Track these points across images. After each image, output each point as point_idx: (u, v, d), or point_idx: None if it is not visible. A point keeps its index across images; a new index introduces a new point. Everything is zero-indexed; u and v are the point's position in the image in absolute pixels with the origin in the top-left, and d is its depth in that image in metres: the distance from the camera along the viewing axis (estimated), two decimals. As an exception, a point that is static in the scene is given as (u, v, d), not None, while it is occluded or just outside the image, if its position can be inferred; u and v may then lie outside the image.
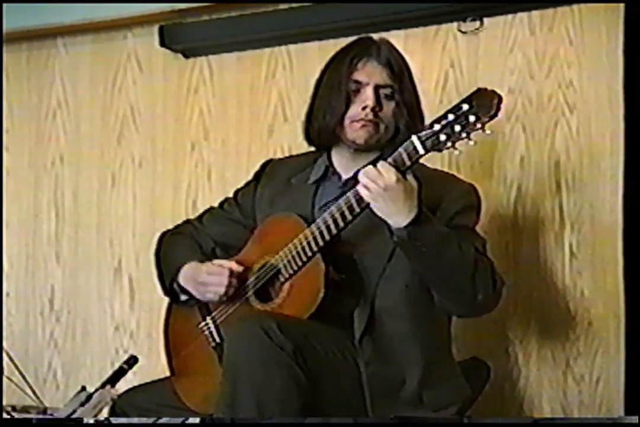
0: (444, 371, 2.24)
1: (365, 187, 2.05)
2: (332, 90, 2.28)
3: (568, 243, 2.71)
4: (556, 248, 2.71)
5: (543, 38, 2.78)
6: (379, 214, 2.07)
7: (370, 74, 2.27)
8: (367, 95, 2.25)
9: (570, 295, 2.69)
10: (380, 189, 2.02)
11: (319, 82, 2.35)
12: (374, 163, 2.09)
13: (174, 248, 2.46)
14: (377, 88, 2.26)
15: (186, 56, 3.27)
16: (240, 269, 2.31)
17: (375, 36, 2.33)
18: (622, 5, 2.62)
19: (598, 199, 2.68)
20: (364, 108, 2.25)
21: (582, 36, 2.73)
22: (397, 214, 2.05)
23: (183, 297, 2.40)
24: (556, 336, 2.69)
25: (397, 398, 2.17)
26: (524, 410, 2.71)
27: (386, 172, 2.03)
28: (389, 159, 2.06)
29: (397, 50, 2.32)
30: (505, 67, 2.82)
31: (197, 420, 2.25)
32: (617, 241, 2.61)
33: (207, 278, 2.31)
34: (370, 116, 2.24)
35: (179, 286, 2.38)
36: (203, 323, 2.37)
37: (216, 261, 2.34)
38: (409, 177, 2.05)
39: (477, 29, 2.84)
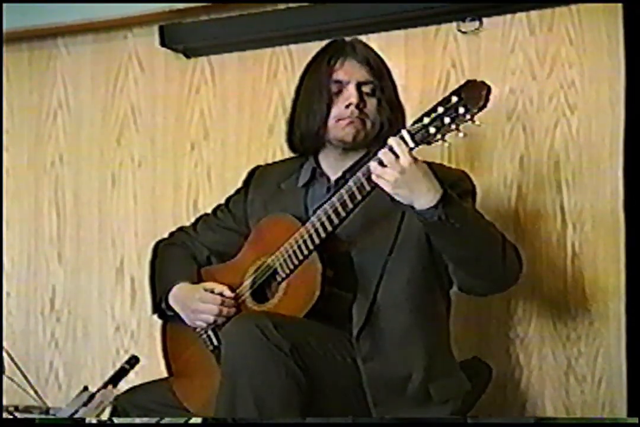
0: (446, 365, 2.25)
1: (381, 176, 2.02)
2: (313, 94, 2.28)
3: (570, 243, 2.71)
4: (558, 248, 2.71)
5: (543, 38, 2.77)
6: (403, 200, 2.04)
7: (350, 72, 2.27)
8: (351, 93, 2.25)
9: (572, 295, 2.69)
10: (397, 173, 2.00)
11: (299, 88, 2.35)
12: (361, 161, 2.08)
13: (167, 264, 2.47)
14: (359, 85, 2.26)
15: (187, 56, 3.27)
16: (232, 295, 2.31)
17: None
18: (620, 5, 2.62)
19: (599, 199, 2.68)
20: (347, 106, 2.25)
21: (582, 36, 2.73)
22: (423, 196, 2.03)
23: (169, 313, 2.41)
24: (558, 335, 2.70)
25: (401, 394, 2.16)
26: (527, 410, 2.71)
27: (401, 153, 2.00)
28: None
29: (371, 48, 2.33)
30: (507, 67, 2.82)
31: (199, 420, 2.25)
32: (620, 240, 2.61)
33: (199, 306, 2.30)
34: (356, 113, 2.25)
35: (167, 305, 2.39)
36: (201, 327, 2.38)
37: (208, 285, 2.33)
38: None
39: (477, 29, 2.84)
